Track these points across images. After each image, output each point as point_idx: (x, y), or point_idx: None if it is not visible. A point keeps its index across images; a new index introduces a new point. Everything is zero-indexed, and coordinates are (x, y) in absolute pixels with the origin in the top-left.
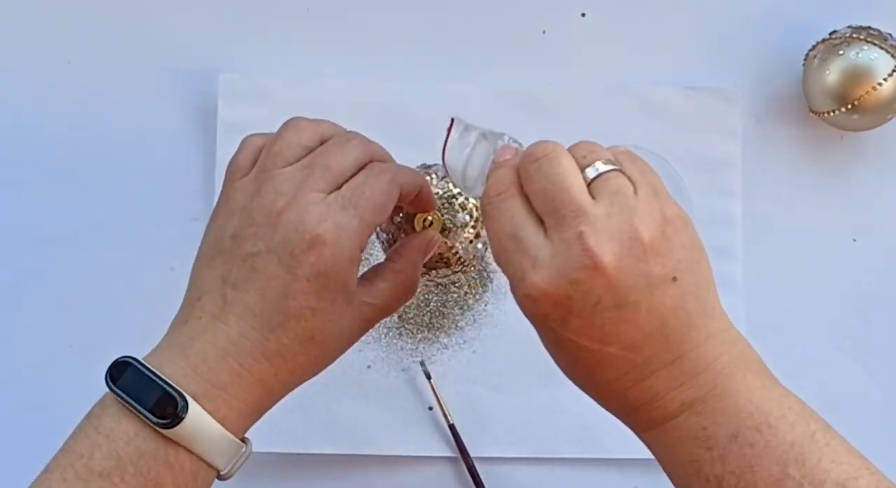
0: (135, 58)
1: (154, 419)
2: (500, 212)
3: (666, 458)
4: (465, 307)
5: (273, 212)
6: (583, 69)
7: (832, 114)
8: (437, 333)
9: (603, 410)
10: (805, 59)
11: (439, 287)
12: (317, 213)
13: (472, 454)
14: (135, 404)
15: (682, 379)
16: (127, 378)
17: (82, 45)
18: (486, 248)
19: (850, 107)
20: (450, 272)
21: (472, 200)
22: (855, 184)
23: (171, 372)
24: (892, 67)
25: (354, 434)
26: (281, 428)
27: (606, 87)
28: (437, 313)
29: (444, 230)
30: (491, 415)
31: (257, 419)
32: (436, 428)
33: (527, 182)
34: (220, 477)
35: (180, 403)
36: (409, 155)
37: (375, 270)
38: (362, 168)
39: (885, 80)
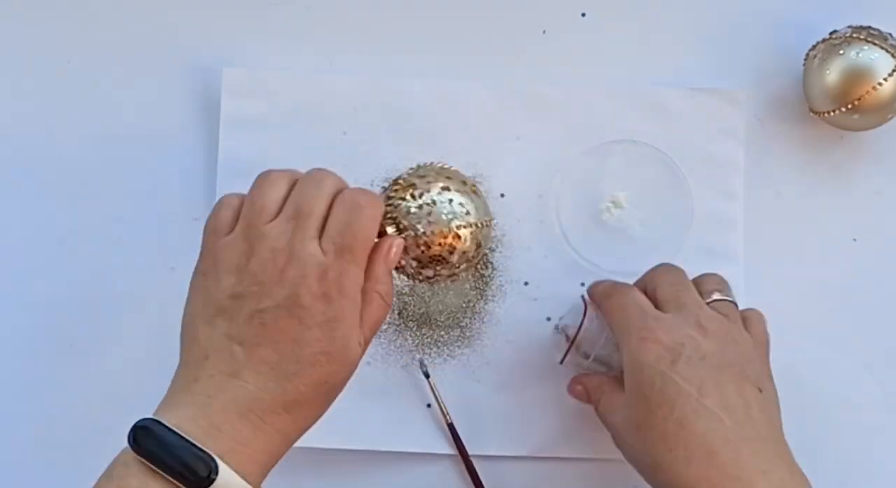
0: (136, 54)
1: (184, 484)
2: (626, 294)
3: None
4: (466, 304)
5: (275, 270)
6: (583, 69)
7: (832, 114)
8: (437, 330)
9: None
10: (805, 59)
11: (440, 285)
12: (317, 267)
13: (470, 452)
14: (163, 469)
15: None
16: (151, 441)
17: (82, 45)
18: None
19: (850, 107)
20: (440, 270)
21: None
22: (855, 184)
23: (195, 433)
24: (892, 67)
25: (352, 429)
26: None
27: (606, 87)
28: (437, 310)
29: (401, 231)
30: (490, 414)
31: (275, 464)
32: (435, 426)
33: (655, 280)
34: None
35: (211, 465)
36: (409, 152)
37: None
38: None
39: (885, 80)
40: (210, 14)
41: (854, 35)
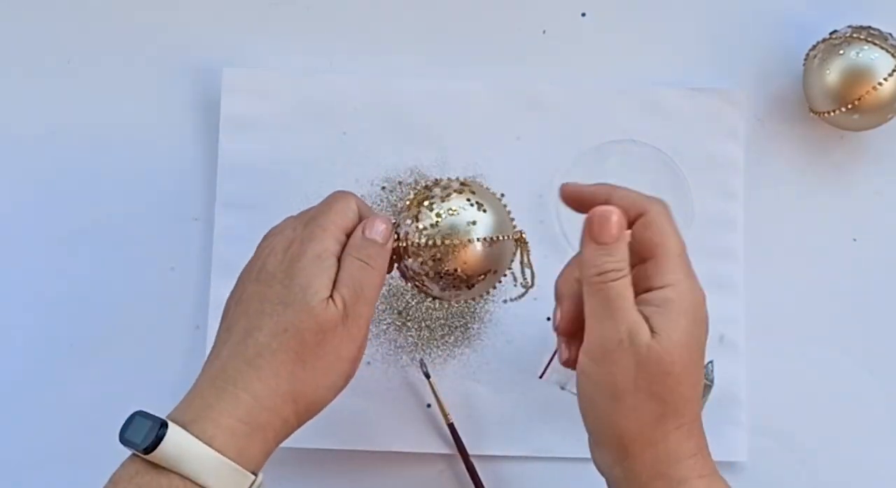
0: (136, 54)
1: (139, 447)
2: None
3: None
4: (466, 305)
5: (260, 260)
6: (583, 69)
7: (832, 114)
8: (438, 331)
9: None
10: (805, 59)
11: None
12: (285, 240)
13: (470, 452)
14: (130, 446)
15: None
16: (131, 425)
17: (82, 45)
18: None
19: (850, 107)
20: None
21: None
22: (855, 184)
23: (173, 413)
24: (892, 67)
25: (353, 429)
26: None
27: (607, 87)
28: (437, 310)
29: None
30: (490, 414)
31: (260, 441)
32: (435, 426)
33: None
34: None
35: (160, 428)
36: (408, 151)
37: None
38: None
39: (885, 79)
40: (210, 14)
41: (854, 35)
